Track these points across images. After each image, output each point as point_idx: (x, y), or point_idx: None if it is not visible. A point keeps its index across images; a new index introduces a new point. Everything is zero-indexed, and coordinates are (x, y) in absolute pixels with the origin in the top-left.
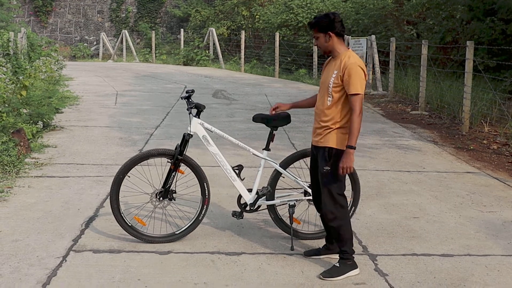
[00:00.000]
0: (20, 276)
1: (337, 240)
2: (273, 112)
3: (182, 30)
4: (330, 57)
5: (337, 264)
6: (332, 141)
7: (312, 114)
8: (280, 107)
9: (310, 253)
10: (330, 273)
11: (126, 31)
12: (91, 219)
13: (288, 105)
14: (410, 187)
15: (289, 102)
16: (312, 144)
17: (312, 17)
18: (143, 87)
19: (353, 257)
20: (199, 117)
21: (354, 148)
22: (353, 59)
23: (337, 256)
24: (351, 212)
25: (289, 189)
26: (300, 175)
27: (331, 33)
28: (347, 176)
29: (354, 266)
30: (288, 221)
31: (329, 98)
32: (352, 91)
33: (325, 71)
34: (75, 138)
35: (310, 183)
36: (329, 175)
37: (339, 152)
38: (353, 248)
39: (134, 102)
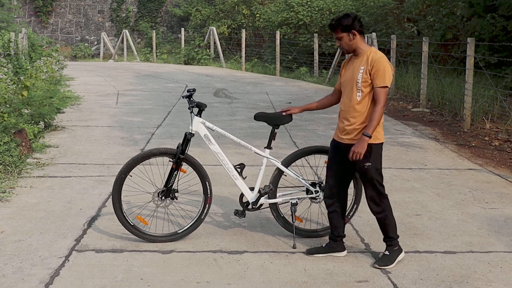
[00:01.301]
0: (23, 276)
1: (384, 230)
2: (283, 114)
3: (182, 29)
4: (351, 56)
5: (387, 252)
6: None
7: (313, 113)
8: (291, 111)
9: (312, 251)
10: (384, 261)
11: (126, 31)
12: (93, 219)
13: (299, 108)
14: (412, 184)
15: (299, 106)
16: (336, 142)
17: (313, 15)
18: (144, 87)
19: (398, 241)
20: (200, 116)
21: (370, 137)
22: (379, 53)
23: (339, 254)
24: (354, 210)
25: (291, 187)
26: (302, 173)
27: (354, 31)
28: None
29: (400, 250)
30: (290, 219)
31: (358, 94)
32: (379, 83)
33: (348, 70)
34: (77, 138)
35: (323, 181)
36: (371, 170)
37: (377, 146)
38: (397, 233)
39: (135, 102)
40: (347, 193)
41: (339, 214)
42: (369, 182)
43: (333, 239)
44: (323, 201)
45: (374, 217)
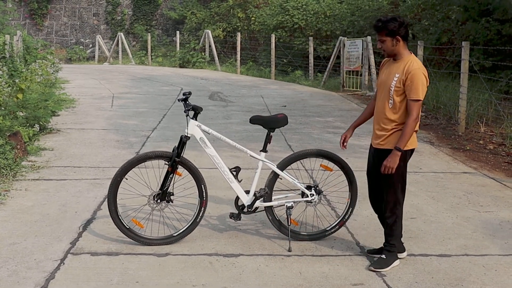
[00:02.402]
0: (18, 279)
1: (388, 234)
2: (344, 145)
3: (178, 32)
4: (391, 58)
5: (383, 256)
6: (394, 143)
7: (308, 116)
8: (347, 137)
9: (372, 252)
10: (380, 264)
11: (121, 34)
12: (89, 222)
13: (351, 130)
14: (407, 187)
15: (349, 128)
16: (372, 147)
17: (308, 19)
18: (140, 90)
19: (396, 249)
20: (196, 119)
21: (401, 151)
22: (416, 64)
23: (401, 255)
24: (348, 213)
25: (287, 190)
26: (297, 177)
27: (399, 37)
28: (344, 177)
29: (396, 257)
30: (285, 223)
31: (390, 101)
32: (413, 96)
33: (385, 72)
34: (72, 141)
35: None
36: (394, 176)
37: (406, 151)
38: (397, 242)
39: (130, 105)
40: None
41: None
42: (391, 188)
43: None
44: (318, 204)
45: (369, 221)
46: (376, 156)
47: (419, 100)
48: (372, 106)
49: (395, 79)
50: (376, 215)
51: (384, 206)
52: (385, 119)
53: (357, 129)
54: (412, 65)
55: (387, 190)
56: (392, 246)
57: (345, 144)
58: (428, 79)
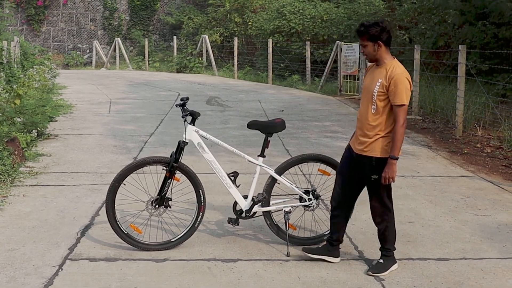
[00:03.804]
0: (17, 285)
1: (382, 240)
2: None
3: (175, 37)
4: (374, 63)
5: (381, 260)
6: (378, 150)
7: (306, 120)
8: None
9: (307, 250)
10: (378, 269)
11: (119, 39)
12: (87, 228)
13: None
14: (405, 191)
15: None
16: (350, 149)
17: (305, 23)
18: (137, 95)
19: (393, 253)
20: (194, 125)
21: (397, 159)
22: (398, 69)
23: (333, 260)
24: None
25: (285, 195)
26: (295, 181)
27: (380, 43)
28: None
29: (394, 261)
30: (284, 227)
31: (373, 107)
32: (397, 102)
33: (369, 77)
34: (70, 147)
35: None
36: (378, 182)
37: (385, 160)
38: (394, 246)
39: (128, 110)
40: (354, 199)
41: (342, 219)
42: (376, 194)
43: (331, 242)
44: (316, 209)
45: (368, 225)
46: (358, 162)
47: (404, 104)
48: None
49: (378, 84)
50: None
51: (372, 212)
52: (367, 124)
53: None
54: (395, 70)
55: (372, 196)
56: (387, 251)
57: None
58: (411, 84)
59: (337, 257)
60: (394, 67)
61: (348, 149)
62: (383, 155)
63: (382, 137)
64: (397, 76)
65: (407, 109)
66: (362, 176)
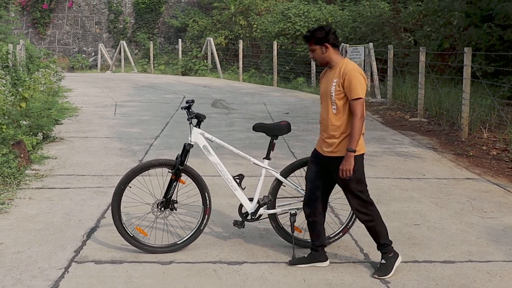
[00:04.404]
0: (23, 287)
1: (375, 237)
2: None
3: (180, 40)
4: (326, 68)
5: (383, 261)
6: (347, 149)
7: (311, 123)
8: None
9: (294, 262)
10: (382, 271)
11: (124, 42)
12: (93, 230)
13: None
14: (411, 194)
15: None
16: (317, 153)
17: (310, 26)
18: (142, 98)
19: (392, 247)
20: (199, 127)
21: (354, 151)
22: (351, 65)
23: (322, 264)
24: (352, 220)
25: (290, 197)
26: (300, 184)
27: (327, 44)
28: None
29: (396, 255)
30: (289, 230)
31: (333, 107)
32: (353, 96)
33: (324, 82)
34: (75, 149)
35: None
36: (353, 181)
37: (357, 157)
38: (389, 238)
39: (133, 113)
40: (326, 203)
41: (318, 223)
42: (351, 193)
43: (314, 249)
44: None
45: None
46: (328, 164)
47: (360, 98)
48: None
49: (334, 84)
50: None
51: (356, 213)
52: (331, 125)
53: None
54: (347, 67)
55: (348, 196)
56: (385, 246)
57: None
58: (365, 78)
59: (325, 260)
60: (346, 64)
61: (315, 154)
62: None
63: (348, 135)
64: (350, 72)
65: (363, 102)
66: (333, 178)
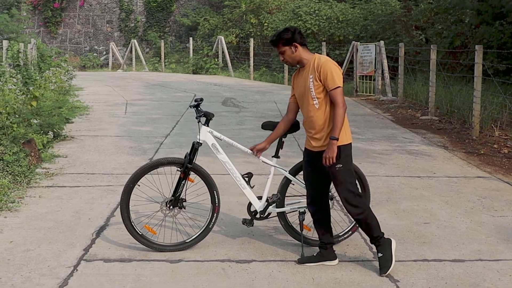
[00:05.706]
0: (32, 285)
1: (367, 229)
2: (258, 154)
3: (191, 38)
4: (298, 68)
5: (380, 254)
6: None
7: None
8: (256, 148)
9: (303, 261)
10: (384, 265)
11: (135, 41)
12: (102, 228)
13: (264, 143)
14: (421, 192)
15: (265, 140)
16: (308, 150)
17: (321, 24)
18: (153, 96)
19: (383, 235)
20: (208, 125)
21: (337, 139)
22: (323, 58)
23: (331, 263)
24: None
25: (299, 196)
26: None
27: (296, 44)
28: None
29: (389, 241)
30: (298, 228)
31: (315, 102)
32: (331, 86)
33: (299, 83)
34: (85, 148)
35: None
36: (342, 172)
37: (345, 147)
38: (381, 230)
39: (144, 111)
40: (328, 198)
41: (324, 221)
42: (341, 184)
43: (323, 247)
44: (331, 210)
45: (382, 226)
46: (320, 158)
47: (338, 86)
48: (285, 120)
49: (311, 79)
50: (387, 220)
51: (346, 207)
52: (317, 121)
53: (370, 134)
54: (320, 60)
55: (338, 189)
56: (378, 239)
57: (253, 152)
58: (340, 68)
59: (334, 259)
60: (318, 58)
61: (306, 153)
62: (341, 142)
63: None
64: (323, 64)
65: (342, 90)
66: (325, 172)
